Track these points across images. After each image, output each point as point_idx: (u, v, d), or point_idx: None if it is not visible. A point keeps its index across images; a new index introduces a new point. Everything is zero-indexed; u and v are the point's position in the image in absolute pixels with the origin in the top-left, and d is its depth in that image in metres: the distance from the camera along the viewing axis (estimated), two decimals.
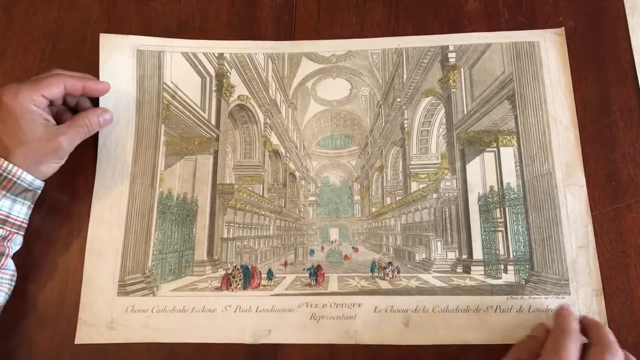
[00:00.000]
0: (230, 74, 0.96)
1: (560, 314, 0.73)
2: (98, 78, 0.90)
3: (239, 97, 0.97)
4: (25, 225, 0.79)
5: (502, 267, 0.84)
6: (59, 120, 0.81)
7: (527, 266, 0.82)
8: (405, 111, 0.98)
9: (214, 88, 0.97)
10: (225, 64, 0.96)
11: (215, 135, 0.96)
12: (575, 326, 0.70)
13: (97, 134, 0.88)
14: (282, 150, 1.02)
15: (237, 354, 0.80)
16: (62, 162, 0.79)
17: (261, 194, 0.97)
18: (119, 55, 0.93)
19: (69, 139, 0.77)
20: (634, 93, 0.88)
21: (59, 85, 0.77)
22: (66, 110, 0.85)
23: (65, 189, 0.88)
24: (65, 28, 0.98)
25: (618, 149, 0.86)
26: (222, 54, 0.96)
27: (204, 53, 0.96)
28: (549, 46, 0.91)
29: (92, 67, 0.92)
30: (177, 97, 0.94)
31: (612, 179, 0.84)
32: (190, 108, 0.95)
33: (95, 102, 0.88)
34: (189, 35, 0.97)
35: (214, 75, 0.97)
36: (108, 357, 0.80)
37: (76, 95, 0.83)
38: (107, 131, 0.90)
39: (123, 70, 0.93)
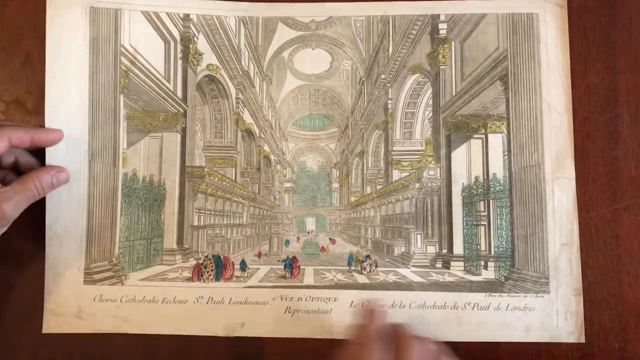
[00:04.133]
0: (197, 38, 0.87)
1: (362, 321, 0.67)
2: (44, 37, 0.81)
3: (207, 66, 0.89)
4: None
5: (483, 263, 0.82)
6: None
7: (508, 263, 0.81)
8: (390, 90, 0.91)
9: (179, 55, 0.88)
10: (192, 26, 0.86)
11: (182, 111, 0.88)
12: (374, 334, 0.63)
13: (42, 104, 0.80)
14: (256, 129, 0.96)
15: (220, 347, 0.79)
16: (5, 229, 0.70)
17: (234, 178, 0.92)
18: (69, 13, 0.82)
19: (14, 205, 0.67)
20: None
21: (2, 139, 0.66)
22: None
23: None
24: None
25: (621, 145, 0.80)
26: (188, 15, 0.86)
27: (167, 13, 0.85)
28: (549, 19, 0.83)
29: (43, 30, 0.82)
30: (138, 62, 0.85)
31: (612, 177, 0.80)
32: (152, 77, 0.86)
33: (42, 92, 0.80)
34: None
35: (178, 40, 0.87)
36: (79, 346, 0.79)
37: (22, 148, 0.72)
38: (54, 100, 0.81)
39: (73, 30, 0.82)
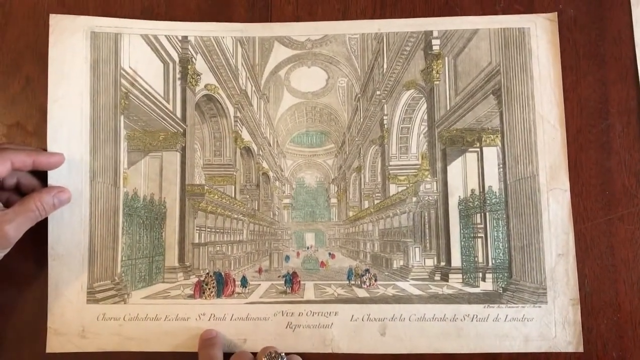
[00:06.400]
0: (195, 59, 0.88)
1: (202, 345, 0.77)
2: (47, 62, 0.83)
3: (205, 86, 0.90)
4: None
5: (481, 275, 0.83)
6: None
7: (506, 274, 0.82)
8: (385, 106, 0.93)
9: (178, 75, 0.89)
10: (190, 48, 0.88)
11: (181, 130, 0.90)
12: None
13: (43, 126, 0.81)
14: (255, 147, 0.96)
15: None
16: (7, 250, 0.70)
17: (233, 195, 0.93)
18: (71, 39, 0.84)
19: (16, 226, 0.68)
20: (634, 93, 0.83)
21: (5, 162, 0.67)
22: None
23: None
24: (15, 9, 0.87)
25: (614, 156, 0.82)
26: (186, 37, 0.87)
27: (165, 36, 0.87)
28: (540, 34, 0.84)
29: (43, 54, 0.83)
30: (137, 84, 0.86)
31: (606, 188, 0.81)
32: (152, 98, 0.88)
33: (42, 114, 0.81)
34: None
35: (177, 61, 0.88)
36: None
37: (24, 170, 0.73)
38: (55, 123, 0.82)
39: (75, 54, 0.84)
